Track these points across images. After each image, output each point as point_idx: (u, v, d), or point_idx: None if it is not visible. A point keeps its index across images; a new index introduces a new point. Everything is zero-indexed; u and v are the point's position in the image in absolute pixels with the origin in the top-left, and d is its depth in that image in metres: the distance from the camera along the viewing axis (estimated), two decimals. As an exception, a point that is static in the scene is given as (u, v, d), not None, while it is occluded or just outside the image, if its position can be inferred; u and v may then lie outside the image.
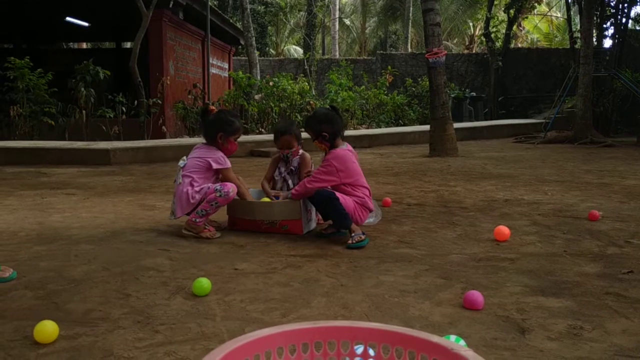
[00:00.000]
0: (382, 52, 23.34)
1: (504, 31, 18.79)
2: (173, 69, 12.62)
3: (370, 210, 3.50)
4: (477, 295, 2.26)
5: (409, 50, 25.42)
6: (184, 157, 3.65)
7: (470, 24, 29.23)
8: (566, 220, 3.95)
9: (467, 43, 30.71)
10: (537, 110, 17.68)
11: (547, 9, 24.65)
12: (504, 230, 3.38)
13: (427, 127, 10.02)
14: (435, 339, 1.00)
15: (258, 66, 15.27)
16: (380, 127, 14.07)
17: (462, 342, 1.74)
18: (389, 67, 16.43)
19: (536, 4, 18.06)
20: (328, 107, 3.78)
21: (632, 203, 4.62)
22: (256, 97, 12.97)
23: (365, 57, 23.26)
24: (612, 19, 13.87)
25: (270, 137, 10.22)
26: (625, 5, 13.68)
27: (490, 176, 6.36)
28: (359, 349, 1.08)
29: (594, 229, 3.66)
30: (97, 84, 10.59)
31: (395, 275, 2.70)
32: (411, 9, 25.03)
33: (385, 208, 4.31)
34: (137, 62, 11.02)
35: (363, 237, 3.24)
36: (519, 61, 19.20)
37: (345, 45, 32.42)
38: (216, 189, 3.44)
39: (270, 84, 12.87)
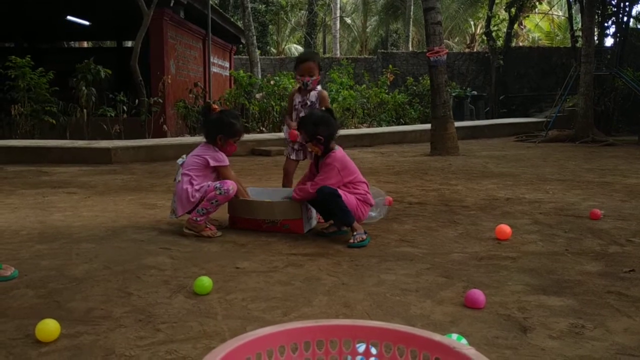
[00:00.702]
0: (383, 50, 23.32)
1: (505, 30, 18.76)
2: (174, 68, 12.62)
3: (371, 205, 3.50)
4: (478, 294, 2.26)
5: (410, 49, 25.39)
6: (183, 156, 3.66)
7: (472, 22, 29.19)
8: (567, 219, 3.95)
9: (468, 42, 30.67)
10: (538, 109, 17.64)
11: (549, 8, 24.61)
12: (505, 229, 3.38)
13: (428, 126, 10.01)
14: (437, 337, 1.00)
15: (259, 65, 15.26)
16: (381, 126, 14.06)
17: (463, 341, 1.73)
18: (390, 66, 16.41)
19: (537, 3, 18.00)
20: (323, 109, 3.75)
21: (634, 202, 4.61)
22: (257, 96, 12.97)
23: (366, 56, 23.23)
24: (614, 18, 13.84)
25: (271, 136, 10.27)
26: (627, 3, 13.65)
27: (492, 175, 6.35)
28: (361, 348, 1.08)
29: (595, 228, 3.65)
30: (98, 83, 10.58)
31: (397, 273, 2.70)
32: (412, 7, 24.99)
33: (387, 207, 4.30)
34: (138, 61, 11.02)
35: (364, 236, 3.23)
36: (520, 60, 19.17)
37: (346, 44, 32.39)
38: (216, 187, 3.44)
39: (272, 82, 12.86)
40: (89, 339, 1.96)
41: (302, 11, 29.07)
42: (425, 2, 8.78)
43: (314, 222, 3.67)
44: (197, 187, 3.49)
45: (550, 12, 25.37)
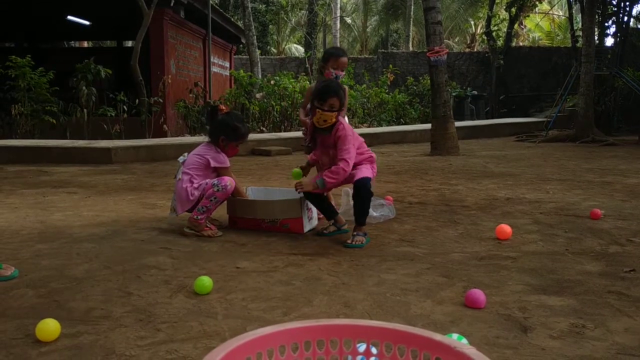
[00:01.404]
0: (383, 50, 23.32)
1: (505, 30, 18.77)
2: (174, 68, 12.62)
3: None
4: (478, 294, 2.26)
5: (411, 48, 25.38)
6: (185, 154, 3.66)
7: (472, 22, 29.18)
8: (568, 218, 3.95)
9: (468, 42, 30.67)
10: (539, 109, 17.65)
11: (549, 8, 24.61)
12: (505, 228, 3.38)
13: (428, 126, 10.01)
14: (438, 337, 1.00)
15: (259, 65, 15.26)
16: (382, 126, 14.06)
17: (464, 341, 1.73)
18: (390, 66, 16.41)
19: (538, 3, 18.01)
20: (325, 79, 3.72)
21: (634, 201, 4.61)
22: (257, 95, 12.96)
23: (367, 56, 23.22)
24: (614, 17, 13.84)
25: (271, 136, 10.26)
26: (627, 3, 13.65)
27: (492, 175, 6.35)
28: (362, 347, 1.08)
29: (595, 228, 3.65)
30: (98, 82, 10.59)
31: (397, 273, 2.70)
32: (412, 7, 24.98)
33: (393, 206, 4.30)
34: (139, 60, 11.01)
35: (364, 239, 3.24)
36: (521, 60, 19.17)
37: (347, 44, 32.37)
38: (214, 184, 3.45)
39: (272, 82, 12.85)
40: (89, 339, 1.96)
41: (303, 11, 29.03)
42: (425, 1, 8.78)
43: (314, 222, 3.67)
44: (196, 186, 3.49)
45: (550, 12, 25.37)
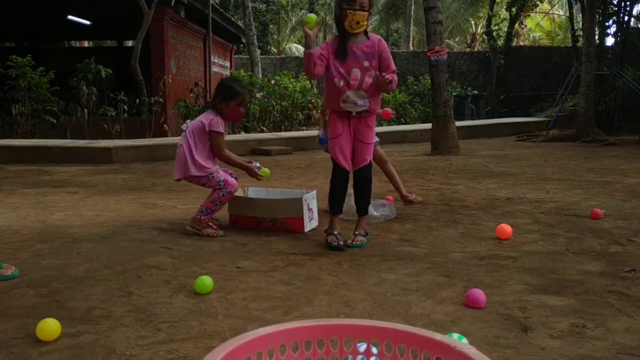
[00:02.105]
0: (383, 50, 23.27)
1: (505, 29, 18.76)
2: (175, 68, 12.62)
3: None
4: (479, 294, 2.26)
5: (411, 48, 25.39)
6: (188, 121, 3.67)
7: (472, 22, 29.17)
8: (568, 218, 3.95)
9: (468, 41, 30.66)
10: (539, 109, 17.64)
11: (549, 7, 24.60)
12: (506, 228, 3.38)
13: (428, 126, 10.00)
14: (438, 336, 1.00)
15: (260, 64, 15.26)
16: (382, 125, 14.06)
17: (464, 341, 1.73)
18: (391, 66, 16.40)
19: (538, 2, 18.00)
20: None
21: (635, 201, 4.61)
22: (258, 95, 12.97)
23: (367, 56, 23.15)
24: (615, 17, 13.83)
25: (271, 135, 10.27)
26: (628, 3, 13.64)
27: (492, 174, 6.35)
28: (362, 347, 1.08)
29: (596, 228, 3.65)
30: (98, 82, 10.59)
31: (397, 273, 2.70)
32: (413, 7, 24.98)
33: (393, 205, 4.30)
34: (139, 60, 11.02)
35: (364, 238, 3.24)
36: (521, 59, 19.16)
37: (347, 44, 32.32)
38: (219, 188, 3.45)
39: (272, 82, 12.86)
40: (90, 338, 1.96)
41: (303, 10, 29.04)
42: (426, 1, 8.77)
43: (315, 223, 3.67)
44: (198, 162, 3.46)
45: (551, 12, 25.35)
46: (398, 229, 3.63)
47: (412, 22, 25.82)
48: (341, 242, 3.14)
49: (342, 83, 3.10)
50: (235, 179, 3.61)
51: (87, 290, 2.46)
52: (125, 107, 10.67)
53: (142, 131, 10.75)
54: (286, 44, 31.26)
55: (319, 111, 3.92)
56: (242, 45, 18.52)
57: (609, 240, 3.33)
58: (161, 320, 2.11)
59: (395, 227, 3.70)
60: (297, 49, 29.50)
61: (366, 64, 3.10)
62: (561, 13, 27.21)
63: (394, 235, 3.46)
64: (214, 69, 15.16)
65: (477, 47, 27.20)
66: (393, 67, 3.16)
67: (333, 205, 3.28)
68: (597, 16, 12.69)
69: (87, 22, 15.34)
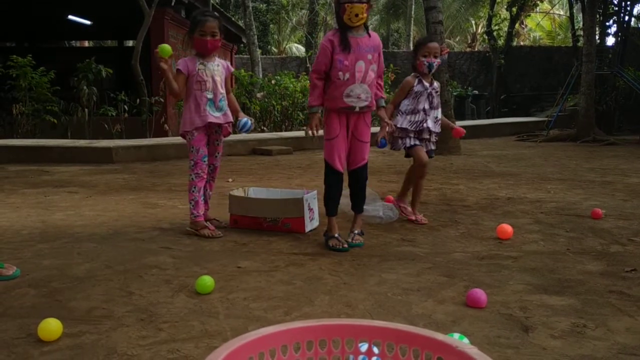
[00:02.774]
0: (384, 50, 23.30)
1: (506, 29, 18.74)
2: (175, 67, 12.61)
3: None
4: (480, 294, 2.26)
5: (411, 48, 25.35)
6: None
7: (473, 22, 29.16)
8: (569, 218, 3.95)
9: (469, 41, 30.65)
10: (540, 109, 17.62)
11: (550, 7, 24.59)
12: (506, 228, 3.38)
13: (429, 125, 9.97)
14: (439, 336, 1.00)
15: (260, 64, 15.25)
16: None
17: (465, 340, 1.73)
18: (391, 65, 16.39)
19: (538, 2, 17.99)
20: None
21: (635, 201, 4.61)
22: (258, 95, 12.96)
23: (367, 55, 23.16)
24: (615, 17, 13.82)
25: (272, 135, 10.26)
26: (628, 2, 13.63)
27: (493, 174, 6.35)
28: (363, 347, 1.08)
29: (596, 227, 3.65)
30: (99, 82, 10.58)
31: (398, 273, 2.70)
32: (413, 7, 24.97)
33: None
34: (140, 60, 11.02)
35: (362, 238, 3.25)
36: (521, 59, 19.15)
37: (347, 44, 32.31)
38: (189, 174, 3.48)
39: (272, 82, 12.85)
40: (91, 338, 1.96)
41: (303, 10, 29.02)
42: (426, 1, 8.77)
43: (315, 223, 3.67)
44: (183, 118, 3.49)
45: (551, 12, 25.35)
46: (399, 229, 3.63)
47: (412, 22, 25.80)
48: (345, 245, 3.14)
49: (347, 76, 3.08)
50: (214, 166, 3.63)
51: (88, 290, 2.46)
52: (125, 107, 10.66)
53: (142, 131, 10.75)
54: (287, 44, 31.25)
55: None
56: (242, 45, 18.51)
57: (609, 240, 3.33)
58: (162, 320, 2.11)
59: (395, 227, 3.70)
60: (297, 49, 29.50)
61: (369, 56, 3.11)
62: (561, 13, 27.20)
63: (394, 235, 3.46)
64: (215, 68, 15.12)
65: (478, 47, 27.19)
66: (382, 69, 3.27)
67: (328, 208, 3.28)
68: (598, 16, 12.68)
69: (88, 22, 15.34)
